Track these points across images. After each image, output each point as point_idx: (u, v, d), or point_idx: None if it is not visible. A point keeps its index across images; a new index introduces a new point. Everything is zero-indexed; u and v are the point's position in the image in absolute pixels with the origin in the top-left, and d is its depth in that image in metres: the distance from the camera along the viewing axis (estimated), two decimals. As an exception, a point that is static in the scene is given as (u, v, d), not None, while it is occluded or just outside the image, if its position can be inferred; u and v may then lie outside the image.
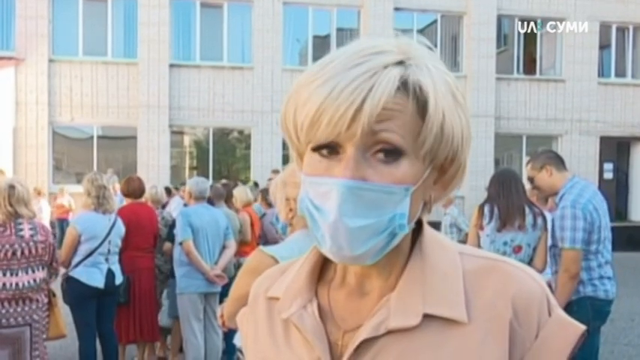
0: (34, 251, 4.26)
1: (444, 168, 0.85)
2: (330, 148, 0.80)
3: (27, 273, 4.23)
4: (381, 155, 0.78)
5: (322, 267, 0.94)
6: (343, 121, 0.75)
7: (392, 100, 0.77)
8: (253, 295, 1.02)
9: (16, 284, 4.18)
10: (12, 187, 4.33)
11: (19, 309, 4.19)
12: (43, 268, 4.36)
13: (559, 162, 4.18)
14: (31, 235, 4.28)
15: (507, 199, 4.28)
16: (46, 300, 4.42)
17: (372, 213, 0.78)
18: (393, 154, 0.78)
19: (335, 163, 0.79)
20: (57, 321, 4.70)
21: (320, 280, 0.94)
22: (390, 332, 0.82)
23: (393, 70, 0.78)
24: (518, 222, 4.24)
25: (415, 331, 0.82)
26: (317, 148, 0.80)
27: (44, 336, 4.42)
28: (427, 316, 0.82)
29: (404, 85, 0.78)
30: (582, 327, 0.84)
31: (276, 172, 14.65)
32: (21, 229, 4.25)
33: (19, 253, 4.19)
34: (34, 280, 4.28)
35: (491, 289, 0.83)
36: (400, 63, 0.79)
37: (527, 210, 4.29)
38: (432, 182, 0.85)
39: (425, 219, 0.90)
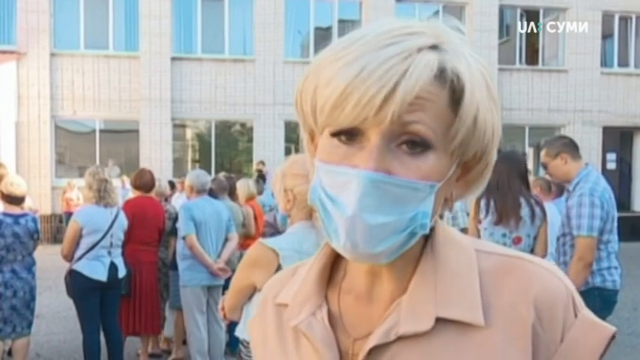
0: None
1: (468, 165, 0.79)
2: (350, 134, 0.72)
3: None
4: (407, 147, 0.71)
5: (332, 267, 0.87)
6: (372, 105, 0.68)
7: (426, 88, 0.70)
8: (263, 299, 0.96)
9: None
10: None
11: None
12: None
13: (574, 149, 4.10)
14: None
15: (503, 193, 4.16)
16: None
17: (394, 210, 0.71)
18: (420, 146, 0.71)
19: (355, 150, 0.72)
20: None
21: (330, 282, 0.87)
22: (401, 338, 0.76)
23: (428, 54, 0.71)
24: (514, 218, 4.13)
25: (429, 337, 0.75)
26: (337, 133, 0.73)
27: None
28: (441, 320, 0.75)
29: (441, 73, 0.71)
30: (612, 329, 0.77)
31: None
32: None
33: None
34: None
35: (511, 289, 0.77)
36: (434, 47, 0.72)
37: (523, 203, 4.19)
38: (455, 179, 0.79)
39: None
